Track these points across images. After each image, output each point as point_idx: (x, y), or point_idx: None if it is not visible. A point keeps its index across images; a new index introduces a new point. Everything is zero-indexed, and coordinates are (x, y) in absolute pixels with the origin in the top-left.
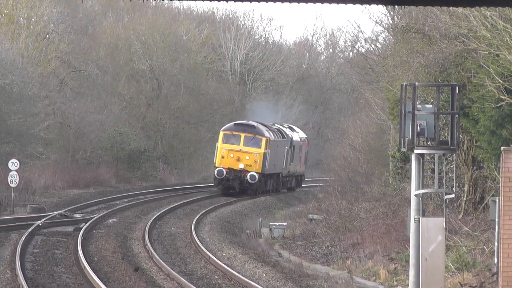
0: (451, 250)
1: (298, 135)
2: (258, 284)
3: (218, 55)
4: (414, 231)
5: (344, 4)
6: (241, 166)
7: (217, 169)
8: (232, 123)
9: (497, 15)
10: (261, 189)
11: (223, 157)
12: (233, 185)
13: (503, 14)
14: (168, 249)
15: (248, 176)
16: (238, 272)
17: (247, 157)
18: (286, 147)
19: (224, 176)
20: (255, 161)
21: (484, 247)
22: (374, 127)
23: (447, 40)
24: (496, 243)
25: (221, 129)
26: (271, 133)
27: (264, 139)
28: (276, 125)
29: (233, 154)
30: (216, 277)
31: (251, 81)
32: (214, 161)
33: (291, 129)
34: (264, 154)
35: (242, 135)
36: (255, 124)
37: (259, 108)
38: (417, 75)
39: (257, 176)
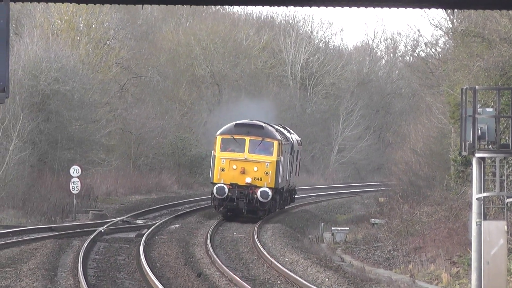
0: None
1: (295, 137)
2: None
3: (278, 60)
4: (476, 235)
5: (404, 8)
6: (248, 180)
7: (217, 186)
8: (232, 123)
9: None
10: (273, 209)
11: (223, 170)
12: (239, 206)
13: None
14: (230, 254)
15: (259, 193)
16: (300, 277)
17: (255, 168)
18: (289, 153)
19: (226, 195)
20: (266, 173)
21: None
22: (435, 131)
23: (507, 43)
24: None
25: (218, 132)
26: (280, 135)
27: (276, 143)
28: (274, 125)
29: (236, 165)
30: (279, 282)
31: (312, 86)
32: (211, 176)
33: (287, 130)
34: (277, 162)
35: (247, 138)
36: (262, 124)
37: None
38: (477, 78)
39: (270, 193)
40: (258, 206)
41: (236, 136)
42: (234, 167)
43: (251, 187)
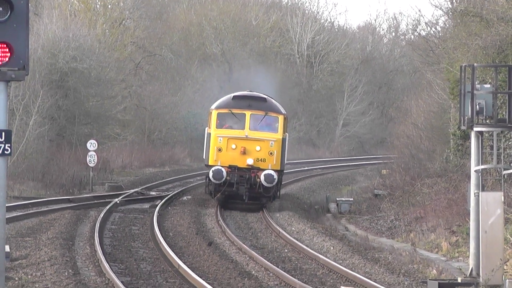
0: (509, 223)
1: (283, 111)
2: (326, 257)
3: (285, 39)
4: (474, 205)
5: None
6: (249, 161)
7: (213, 168)
8: (229, 95)
9: None
10: (277, 195)
11: (220, 150)
12: (239, 192)
13: None
14: (240, 224)
15: (262, 177)
16: (307, 246)
17: (258, 148)
18: None
19: (224, 179)
20: (271, 153)
21: None
22: (435, 107)
23: (504, 22)
24: None
25: (213, 105)
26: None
27: (281, 118)
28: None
29: (235, 144)
30: (286, 250)
31: (318, 64)
32: (205, 157)
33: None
34: (283, 140)
35: (248, 113)
36: (264, 96)
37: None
38: (476, 56)
39: (275, 176)
40: (261, 192)
41: (234, 111)
42: (233, 146)
43: (253, 170)
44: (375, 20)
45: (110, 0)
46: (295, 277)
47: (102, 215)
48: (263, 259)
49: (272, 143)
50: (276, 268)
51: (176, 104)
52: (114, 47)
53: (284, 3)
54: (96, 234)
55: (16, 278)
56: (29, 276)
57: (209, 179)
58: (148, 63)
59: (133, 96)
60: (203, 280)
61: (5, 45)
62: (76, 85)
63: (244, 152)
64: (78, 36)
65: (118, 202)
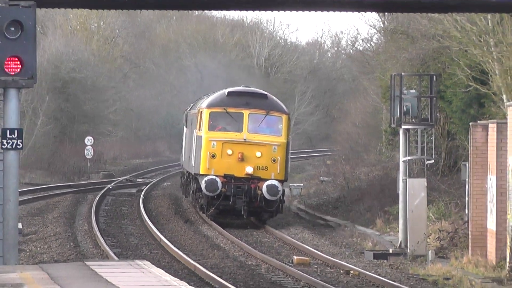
0: (431, 203)
1: None
2: (281, 232)
3: (247, 53)
4: (402, 189)
5: (345, 12)
6: (248, 170)
7: (206, 178)
8: (223, 91)
9: (465, 19)
10: (280, 210)
11: (213, 156)
12: (236, 206)
13: (470, 18)
14: None
15: (264, 189)
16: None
17: (259, 153)
18: None
19: (219, 191)
20: (273, 160)
21: (458, 201)
22: (370, 108)
23: (426, 39)
24: (466, 198)
25: (203, 103)
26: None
27: (284, 118)
28: None
29: (232, 149)
30: (248, 227)
31: (273, 73)
32: (194, 164)
33: None
34: (287, 145)
35: (246, 112)
36: (265, 92)
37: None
38: (403, 67)
39: (279, 188)
40: (263, 206)
41: (230, 109)
42: (229, 152)
43: (253, 180)
44: (321, 38)
45: (103, 21)
46: (256, 249)
47: (97, 198)
48: (229, 234)
49: (275, 148)
50: (240, 241)
51: (158, 107)
52: (106, 59)
53: (246, 23)
54: (93, 214)
55: (28, 250)
56: (38, 249)
57: (200, 191)
58: (134, 73)
59: (122, 100)
60: (180, 251)
61: (17, 59)
62: (75, 91)
63: (242, 159)
64: (77, 51)
65: (110, 187)
